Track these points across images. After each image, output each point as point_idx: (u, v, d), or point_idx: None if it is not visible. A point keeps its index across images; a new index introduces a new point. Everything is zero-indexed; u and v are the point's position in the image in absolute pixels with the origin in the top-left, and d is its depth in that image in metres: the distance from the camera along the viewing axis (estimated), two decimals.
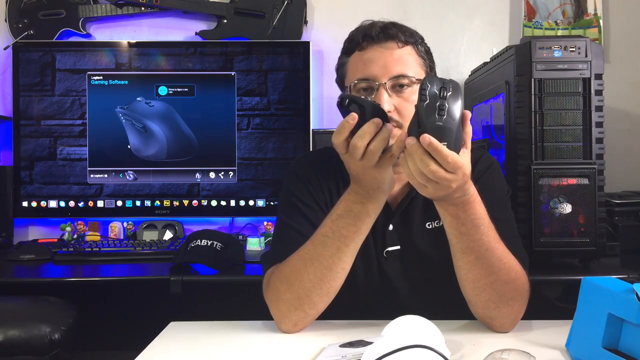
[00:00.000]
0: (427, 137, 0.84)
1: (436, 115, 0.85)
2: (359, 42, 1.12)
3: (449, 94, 0.86)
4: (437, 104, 0.85)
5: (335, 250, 1.00)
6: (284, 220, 1.15)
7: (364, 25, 1.15)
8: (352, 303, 1.16)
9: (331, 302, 1.09)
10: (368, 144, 0.92)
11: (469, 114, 0.89)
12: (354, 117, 0.91)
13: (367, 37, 1.11)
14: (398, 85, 1.09)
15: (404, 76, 1.09)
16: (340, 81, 1.19)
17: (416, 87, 1.11)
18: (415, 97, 1.10)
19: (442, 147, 0.84)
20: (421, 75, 1.13)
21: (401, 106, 1.09)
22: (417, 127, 0.86)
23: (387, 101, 1.07)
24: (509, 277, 1.00)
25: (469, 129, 0.90)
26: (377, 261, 1.16)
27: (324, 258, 1.01)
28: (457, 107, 0.86)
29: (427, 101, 0.85)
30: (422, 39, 1.17)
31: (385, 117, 0.94)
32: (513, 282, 1.00)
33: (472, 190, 0.94)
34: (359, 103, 0.93)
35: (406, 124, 1.10)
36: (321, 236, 1.01)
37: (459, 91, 0.88)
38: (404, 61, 1.11)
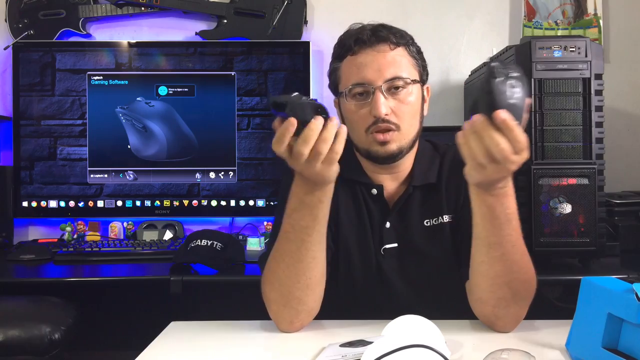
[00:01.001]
0: (502, 113, 0.82)
1: (510, 93, 0.83)
2: (350, 47, 1.12)
3: (517, 74, 0.84)
4: (510, 82, 0.83)
5: (300, 242, 1.00)
6: (280, 221, 1.15)
7: (353, 29, 1.15)
8: (350, 301, 1.17)
9: (330, 300, 1.09)
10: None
11: (530, 100, 0.87)
12: (292, 122, 0.88)
13: (359, 41, 1.11)
14: (393, 87, 1.10)
15: (398, 78, 1.10)
16: (334, 87, 1.19)
17: (411, 88, 1.12)
18: (411, 98, 1.11)
19: (516, 124, 0.83)
20: (415, 76, 1.14)
21: (398, 108, 1.10)
22: (487, 104, 0.83)
23: (384, 104, 1.08)
24: (526, 276, 0.99)
25: (526, 116, 0.87)
26: (375, 259, 1.16)
27: (292, 252, 1.00)
28: (525, 89, 0.84)
29: (501, 78, 0.83)
30: (412, 39, 1.17)
31: (325, 112, 0.91)
32: (528, 282, 1.00)
33: (511, 182, 0.93)
34: (294, 104, 0.89)
35: (404, 125, 1.10)
36: (283, 233, 1.01)
37: (524, 75, 0.86)
38: (398, 63, 1.11)
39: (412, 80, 1.11)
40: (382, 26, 1.14)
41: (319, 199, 0.98)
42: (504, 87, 0.83)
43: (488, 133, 0.83)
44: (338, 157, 0.91)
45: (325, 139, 0.89)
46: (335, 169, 0.94)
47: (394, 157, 1.12)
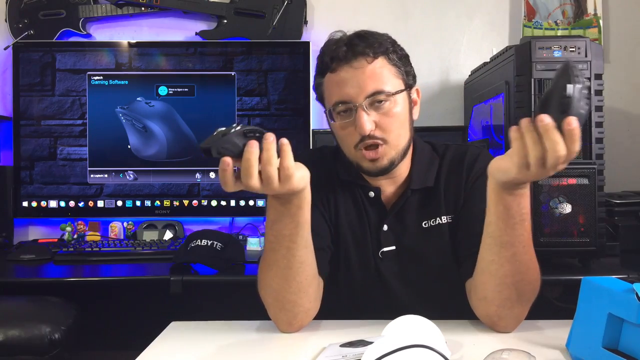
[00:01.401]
0: (575, 121, 0.79)
1: (583, 103, 0.81)
2: (328, 65, 1.10)
3: (589, 85, 0.83)
4: (585, 91, 0.81)
5: (286, 250, 0.98)
6: None
7: (331, 42, 1.11)
8: (350, 302, 1.17)
9: (330, 302, 1.09)
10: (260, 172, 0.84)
11: None
12: (227, 162, 0.83)
13: (335, 58, 1.08)
14: (376, 102, 1.08)
15: (379, 92, 1.07)
16: (321, 101, 1.17)
17: (394, 99, 1.09)
18: (396, 110, 1.08)
19: (580, 136, 0.80)
20: (398, 86, 1.11)
21: (382, 121, 1.08)
22: (562, 108, 0.80)
23: (367, 121, 1.06)
24: (533, 277, 0.99)
25: None
26: (374, 262, 1.16)
27: (279, 260, 0.99)
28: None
29: (581, 85, 0.80)
30: (392, 44, 1.12)
31: (257, 133, 0.85)
32: (534, 282, 1.00)
33: (529, 184, 0.92)
34: (218, 143, 0.83)
35: (391, 137, 1.09)
36: (268, 244, 1.00)
37: None
38: (377, 76, 1.08)
39: (394, 93, 1.09)
40: (359, 37, 1.10)
41: (298, 206, 0.95)
42: (582, 95, 0.80)
43: (554, 137, 0.80)
44: (291, 171, 0.86)
45: (267, 160, 0.84)
46: (298, 178, 0.89)
47: (386, 170, 1.12)
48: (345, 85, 1.08)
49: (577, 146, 0.81)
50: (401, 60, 1.13)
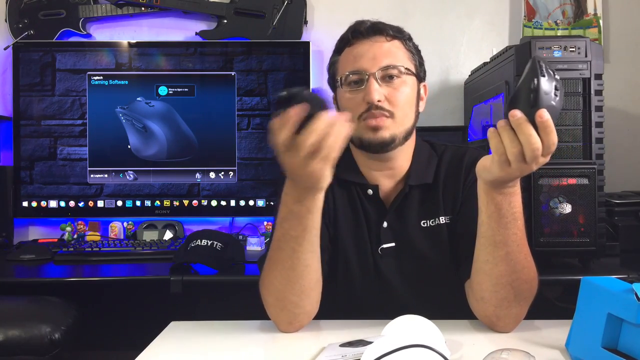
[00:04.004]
0: (545, 113, 0.81)
1: (553, 95, 0.82)
2: (348, 39, 1.15)
3: (559, 78, 0.83)
4: (554, 83, 0.82)
5: (291, 251, 0.98)
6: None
7: (353, 23, 1.17)
8: (349, 300, 1.17)
9: (329, 300, 1.09)
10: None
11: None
12: (304, 108, 0.80)
13: (356, 32, 1.14)
14: (388, 76, 1.11)
15: (393, 67, 1.11)
16: (332, 79, 1.20)
17: (406, 78, 1.12)
18: (405, 88, 1.12)
19: (554, 127, 0.82)
20: (410, 67, 1.15)
21: (391, 95, 1.10)
22: (530, 101, 0.81)
23: (377, 90, 1.09)
24: (529, 276, 0.99)
25: None
26: (373, 258, 1.16)
27: (284, 260, 0.99)
28: (562, 94, 0.84)
29: (547, 77, 0.81)
30: (410, 36, 1.19)
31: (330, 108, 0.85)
32: (531, 281, 1.00)
33: (519, 182, 0.93)
34: (304, 96, 0.81)
35: (398, 113, 1.11)
36: (275, 241, 1.00)
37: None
38: (393, 53, 1.13)
39: (406, 69, 1.12)
40: (381, 22, 1.16)
41: (308, 209, 0.94)
42: (549, 87, 0.82)
43: (527, 130, 0.82)
44: (336, 155, 0.85)
45: (330, 133, 0.82)
46: (328, 175, 0.87)
47: (386, 145, 1.11)
48: (361, 57, 1.12)
49: (553, 137, 0.83)
50: (416, 50, 1.19)
